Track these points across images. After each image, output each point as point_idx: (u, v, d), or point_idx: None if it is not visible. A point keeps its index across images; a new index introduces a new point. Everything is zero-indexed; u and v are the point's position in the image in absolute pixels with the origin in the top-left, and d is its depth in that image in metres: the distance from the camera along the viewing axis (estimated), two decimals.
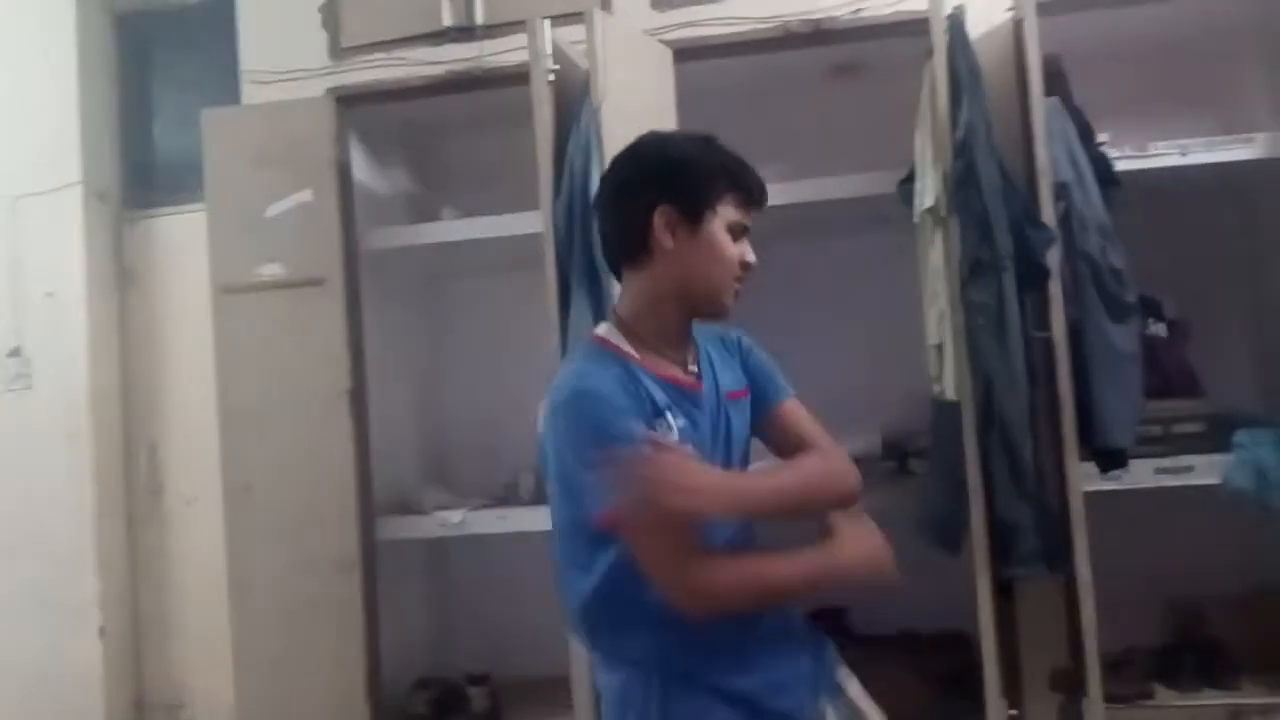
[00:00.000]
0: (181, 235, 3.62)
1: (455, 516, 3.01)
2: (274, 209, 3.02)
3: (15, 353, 3.59)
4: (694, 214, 1.40)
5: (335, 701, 2.90)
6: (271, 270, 3.02)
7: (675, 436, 1.36)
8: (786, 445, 1.49)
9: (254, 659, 2.95)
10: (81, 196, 3.61)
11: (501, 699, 3.10)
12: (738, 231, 1.44)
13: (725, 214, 1.42)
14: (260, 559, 2.97)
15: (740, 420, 1.49)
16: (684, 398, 1.42)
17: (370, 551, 2.98)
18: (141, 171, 3.83)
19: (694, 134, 1.49)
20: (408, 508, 3.18)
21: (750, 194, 1.44)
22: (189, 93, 3.69)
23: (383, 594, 3.02)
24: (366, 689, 2.90)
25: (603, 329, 1.48)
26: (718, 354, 1.51)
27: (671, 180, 1.41)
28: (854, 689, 1.54)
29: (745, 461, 1.49)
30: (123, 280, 3.74)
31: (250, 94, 3.25)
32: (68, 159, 3.61)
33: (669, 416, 1.38)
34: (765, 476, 1.41)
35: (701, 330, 1.51)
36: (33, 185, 3.61)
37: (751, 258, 1.45)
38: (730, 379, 1.50)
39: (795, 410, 1.53)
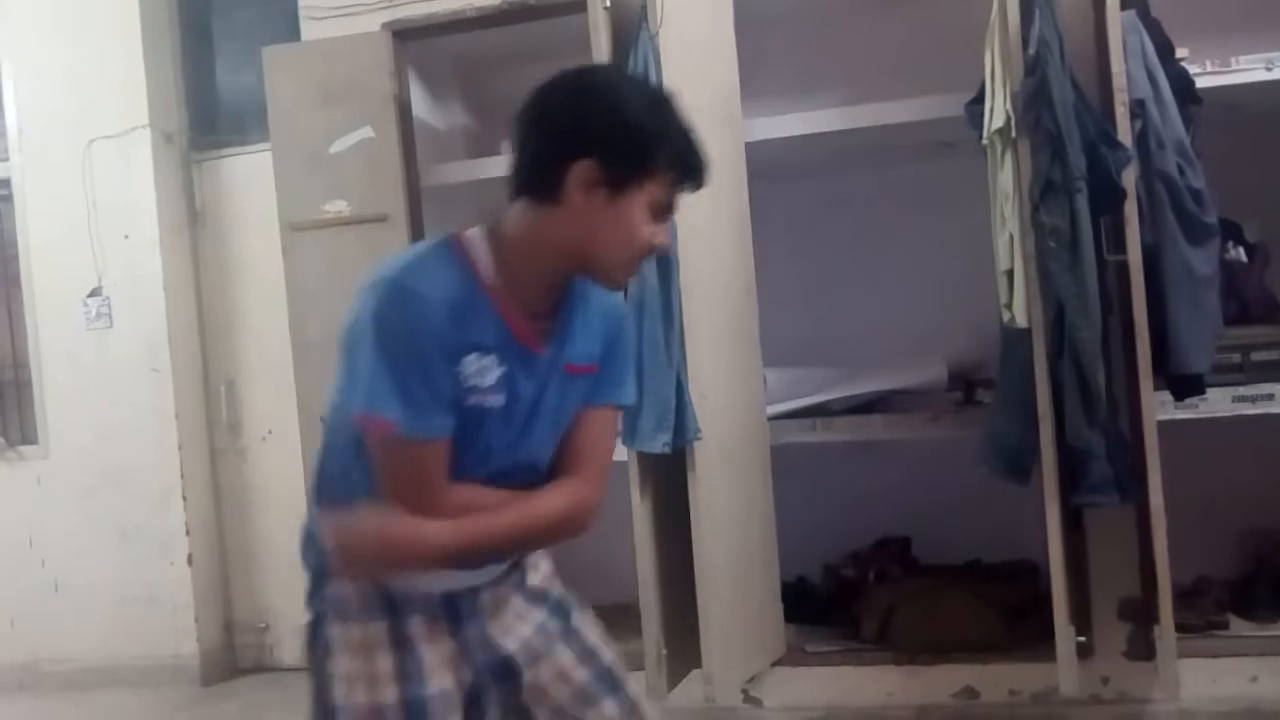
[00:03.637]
0: (248, 174, 3.70)
1: None
2: (337, 145, 3.04)
3: (96, 293, 3.72)
4: (619, 182, 1.23)
5: None
6: (337, 207, 3.06)
7: (488, 382, 1.26)
8: (563, 449, 1.37)
9: None
10: (150, 139, 3.69)
11: None
12: (660, 211, 1.27)
13: (652, 191, 1.25)
14: None
15: (572, 396, 1.36)
16: (517, 352, 1.29)
17: None
18: (207, 112, 3.90)
19: (650, 91, 1.36)
20: None
21: (689, 176, 1.28)
22: (250, 32, 3.73)
23: None
24: None
25: (472, 233, 1.31)
26: (587, 320, 1.36)
27: (606, 137, 1.23)
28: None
29: (557, 433, 1.37)
30: (194, 220, 3.83)
31: (308, 30, 3.26)
32: (135, 102, 3.69)
33: (491, 359, 1.26)
34: (495, 518, 1.29)
35: (590, 289, 1.35)
36: (104, 129, 3.70)
37: (664, 240, 1.30)
38: (584, 351, 1.36)
39: (598, 422, 1.39)
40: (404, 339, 1.21)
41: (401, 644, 1.35)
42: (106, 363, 3.71)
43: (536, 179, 1.26)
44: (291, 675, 3.67)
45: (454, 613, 1.39)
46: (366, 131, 3.03)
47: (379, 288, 1.24)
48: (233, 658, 3.78)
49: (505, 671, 1.41)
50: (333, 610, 1.38)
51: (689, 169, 1.28)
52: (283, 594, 3.67)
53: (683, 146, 1.27)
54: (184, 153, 3.84)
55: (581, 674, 1.44)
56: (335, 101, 3.04)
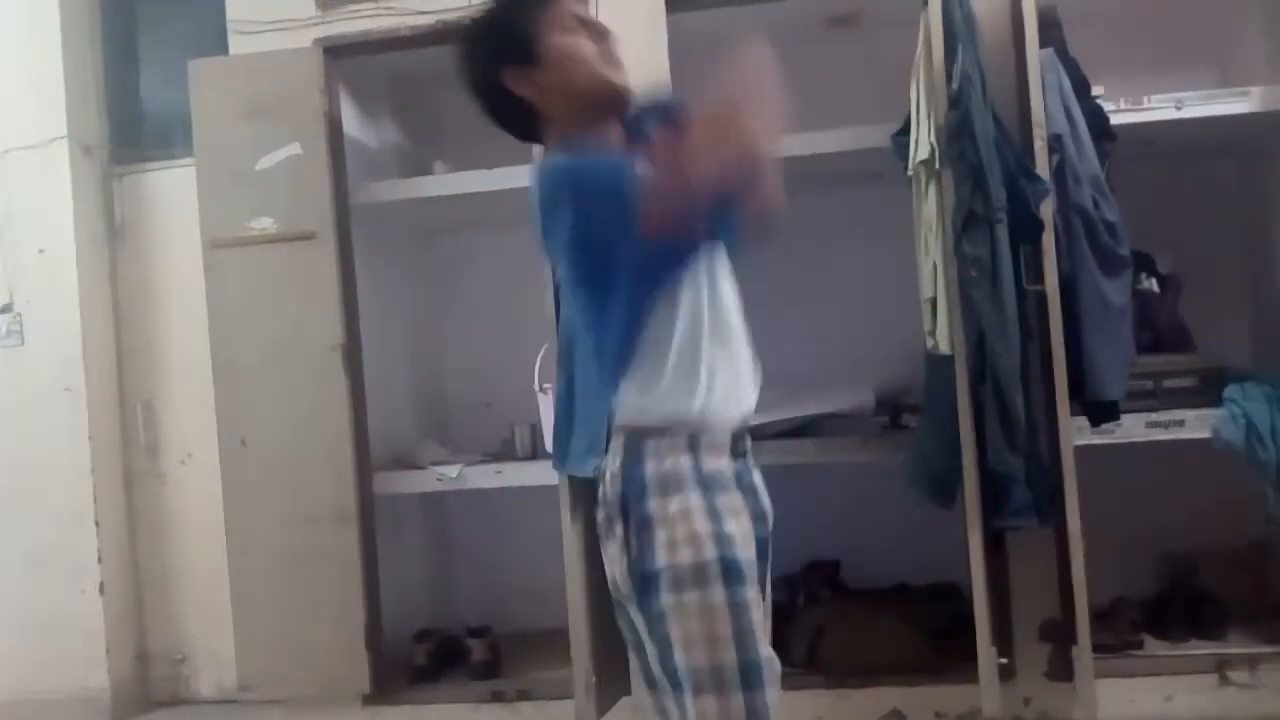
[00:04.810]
0: (171, 189, 3.60)
1: (452, 471, 3.03)
2: (264, 162, 2.99)
3: (7, 309, 3.58)
4: (530, 55, 1.41)
5: (335, 653, 2.93)
6: (263, 224, 3.00)
7: None
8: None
9: (253, 611, 2.97)
10: (68, 150, 3.58)
11: (501, 650, 3.14)
12: (572, 24, 1.43)
13: (554, 23, 1.41)
14: (258, 513, 2.99)
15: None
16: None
17: (368, 505, 3.00)
18: (129, 125, 3.80)
19: None
20: (405, 463, 3.20)
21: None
22: (175, 43, 3.65)
23: (382, 548, 3.04)
24: (366, 640, 2.93)
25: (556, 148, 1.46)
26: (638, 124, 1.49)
27: (496, 46, 1.43)
28: None
29: None
30: (113, 235, 3.72)
31: (237, 44, 3.20)
32: (53, 112, 3.57)
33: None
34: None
35: (643, 110, 1.50)
36: (19, 140, 3.58)
37: (602, 29, 1.45)
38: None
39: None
40: (615, 168, 1.34)
41: (714, 516, 1.35)
42: (17, 382, 3.56)
43: (518, 119, 1.47)
44: (210, 708, 3.55)
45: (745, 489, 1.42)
46: (294, 148, 2.98)
47: (565, 170, 1.36)
48: (146, 690, 3.64)
49: (763, 551, 1.44)
50: (652, 488, 1.36)
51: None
52: (200, 623, 3.55)
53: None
54: (104, 165, 3.73)
55: None
56: (263, 117, 2.99)
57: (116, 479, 3.64)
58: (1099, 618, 2.63)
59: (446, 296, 3.63)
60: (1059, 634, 2.60)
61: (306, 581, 2.95)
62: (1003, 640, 2.55)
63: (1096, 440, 2.61)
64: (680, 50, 2.80)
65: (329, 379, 2.97)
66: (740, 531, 1.36)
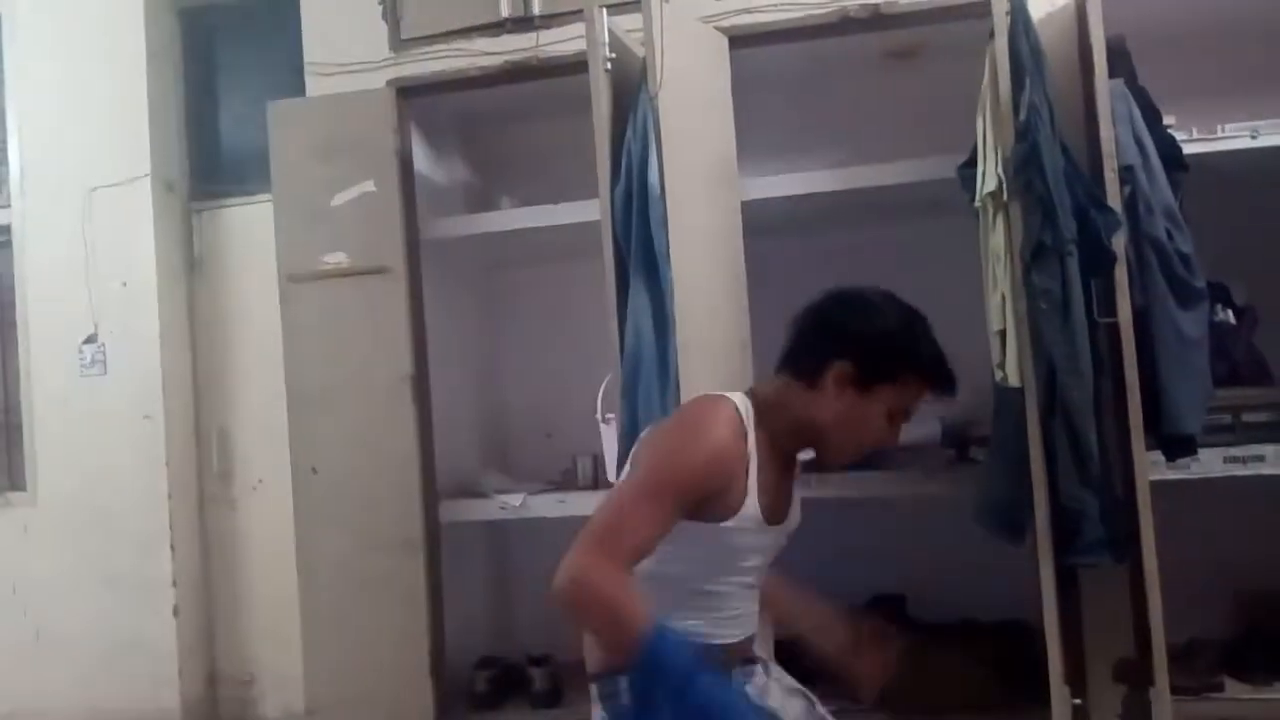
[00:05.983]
0: (248, 225, 3.72)
1: (515, 500, 3.06)
2: (339, 198, 3.08)
3: (92, 339, 3.72)
4: (868, 384, 1.51)
5: (400, 678, 2.97)
6: (336, 259, 3.08)
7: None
8: None
9: (321, 636, 3.03)
10: (151, 187, 3.72)
11: (562, 679, 3.15)
12: (898, 414, 1.54)
13: (895, 397, 1.52)
14: (327, 539, 3.05)
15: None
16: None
17: (434, 533, 3.05)
18: (208, 163, 3.94)
19: (905, 310, 1.57)
20: (469, 491, 3.24)
21: (935, 387, 1.54)
22: (253, 85, 3.79)
23: (445, 575, 3.08)
24: (431, 666, 2.96)
25: (739, 400, 1.55)
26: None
27: (866, 346, 1.52)
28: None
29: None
30: (192, 269, 3.85)
31: (314, 85, 3.31)
32: (137, 151, 3.72)
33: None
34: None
35: None
36: (105, 177, 3.73)
37: (891, 440, 1.56)
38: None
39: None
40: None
41: None
42: (98, 409, 3.69)
43: (803, 365, 1.55)
44: None
45: None
46: (368, 185, 3.07)
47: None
48: (215, 710, 3.71)
49: None
50: None
51: (935, 381, 1.54)
52: (268, 646, 3.62)
53: (929, 361, 1.53)
54: (184, 201, 3.87)
55: None
56: (338, 155, 3.09)
57: (192, 504, 3.74)
58: (1176, 659, 2.55)
59: (511, 327, 3.68)
60: (1134, 675, 2.53)
61: (373, 607, 3.00)
62: (1075, 680, 2.49)
63: (1172, 475, 2.55)
64: (744, 82, 2.83)
65: (398, 409, 3.03)
66: None
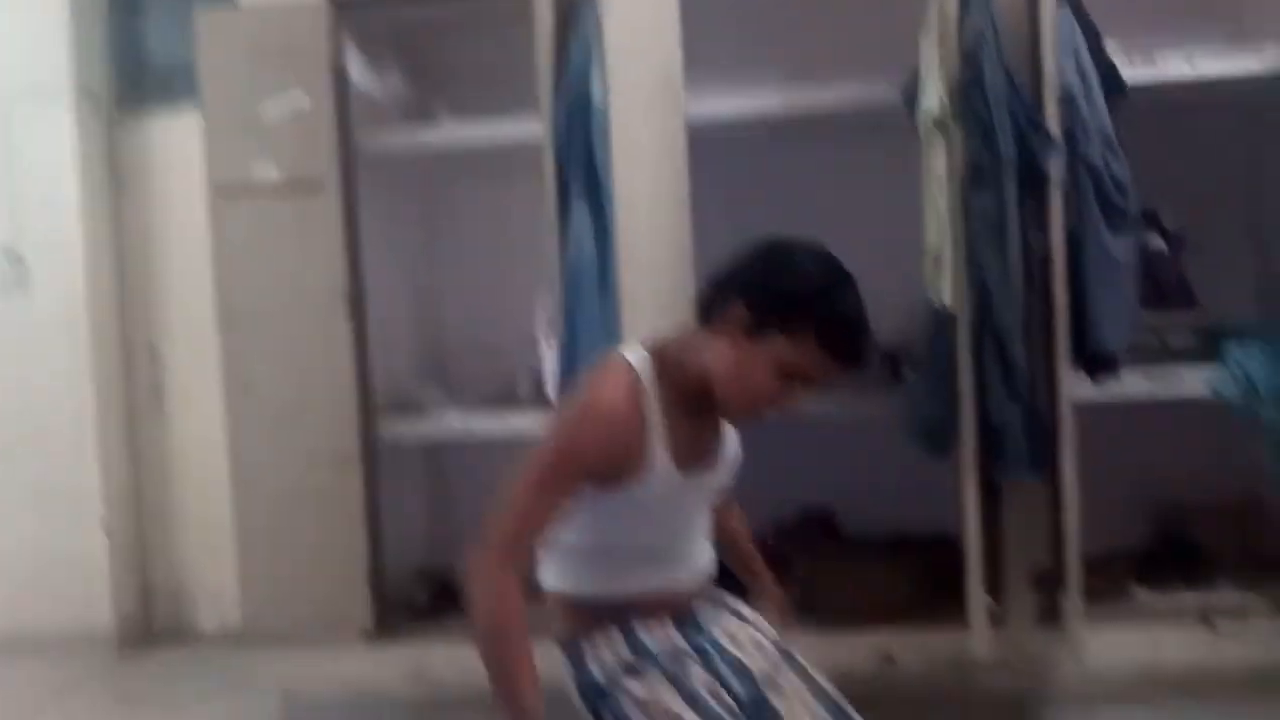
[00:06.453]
0: (175, 137, 3.59)
1: (456, 418, 3.05)
2: (270, 110, 2.97)
3: (12, 255, 3.59)
4: (760, 330, 1.41)
5: (336, 590, 2.97)
6: (267, 172, 2.99)
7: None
8: None
9: (257, 550, 3.01)
10: (73, 98, 3.56)
11: None
12: (791, 372, 1.42)
13: (786, 351, 1.40)
14: (262, 455, 3.01)
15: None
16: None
17: (370, 447, 3.03)
18: (133, 74, 3.77)
19: (827, 269, 1.46)
20: (407, 407, 3.23)
21: (835, 354, 1.41)
22: None
23: (383, 489, 3.08)
24: (368, 578, 2.98)
25: (637, 358, 1.50)
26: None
27: (759, 287, 1.42)
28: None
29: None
30: (117, 182, 3.71)
31: None
32: (57, 60, 3.55)
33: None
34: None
35: None
36: (25, 87, 3.57)
37: (785, 402, 1.45)
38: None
39: None
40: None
41: None
42: (22, 325, 3.59)
43: (705, 306, 1.48)
44: (209, 642, 3.62)
45: None
46: (300, 97, 2.96)
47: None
48: (150, 626, 3.70)
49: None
50: None
51: (832, 345, 1.40)
52: (202, 560, 3.61)
53: (831, 321, 1.40)
54: (109, 113, 3.71)
55: None
56: (270, 68, 2.96)
57: (120, 419, 3.68)
58: (1092, 568, 2.67)
59: (450, 244, 3.62)
60: (1050, 582, 2.65)
61: (309, 521, 2.98)
62: (994, 588, 2.60)
63: (1096, 396, 2.63)
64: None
65: (333, 326, 2.98)
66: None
